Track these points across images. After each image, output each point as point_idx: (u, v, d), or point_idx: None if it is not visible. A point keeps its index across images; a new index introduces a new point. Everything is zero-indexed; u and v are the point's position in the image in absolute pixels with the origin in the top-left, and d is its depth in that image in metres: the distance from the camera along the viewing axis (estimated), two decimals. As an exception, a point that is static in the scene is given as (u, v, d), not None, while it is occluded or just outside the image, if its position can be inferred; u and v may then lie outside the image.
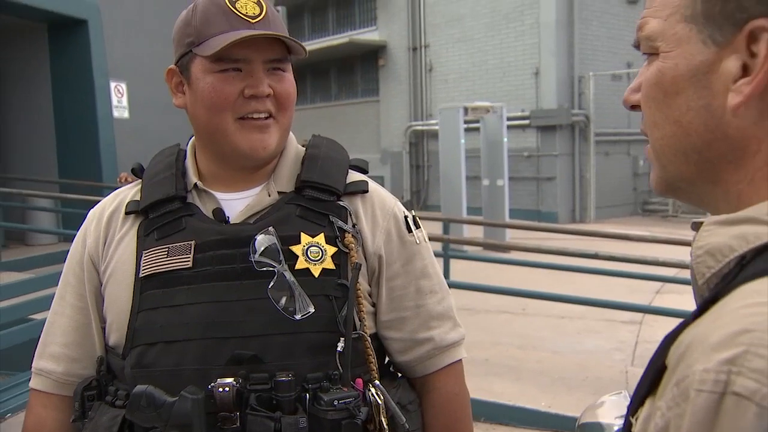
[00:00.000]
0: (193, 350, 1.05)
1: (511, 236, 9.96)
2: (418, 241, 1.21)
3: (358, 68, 17.90)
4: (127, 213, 1.17)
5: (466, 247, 8.41)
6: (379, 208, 1.19)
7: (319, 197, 1.14)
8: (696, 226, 0.57)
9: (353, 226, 1.14)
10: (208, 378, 1.01)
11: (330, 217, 1.13)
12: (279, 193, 1.15)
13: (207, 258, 1.08)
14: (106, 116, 8.06)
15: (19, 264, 6.94)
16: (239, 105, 1.08)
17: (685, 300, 3.18)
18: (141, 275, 1.09)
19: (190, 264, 1.07)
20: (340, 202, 1.15)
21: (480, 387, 4.10)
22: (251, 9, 1.08)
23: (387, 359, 1.23)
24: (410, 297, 1.18)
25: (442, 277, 1.26)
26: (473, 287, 5.01)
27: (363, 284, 1.14)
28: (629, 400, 0.70)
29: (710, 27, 0.55)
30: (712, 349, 0.44)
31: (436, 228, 7.08)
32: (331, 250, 1.10)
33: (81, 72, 7.95)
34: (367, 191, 1.19)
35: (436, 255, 4.95)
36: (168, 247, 1.09)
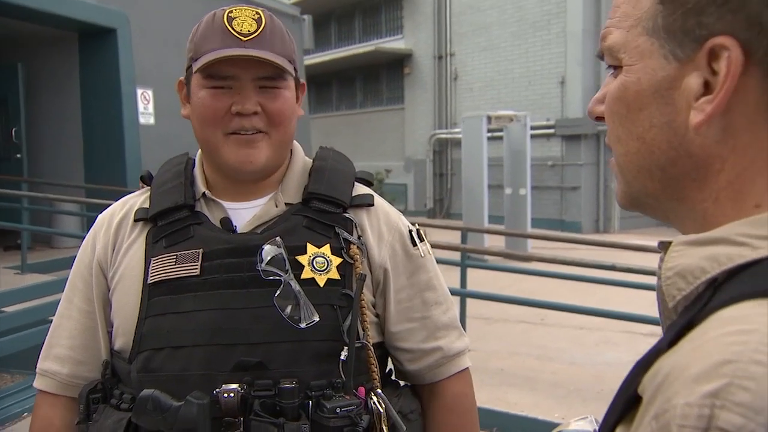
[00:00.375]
0: (199, 356, 1.07)
1: (533, 246, 9.89)
2: (422, 254, 1.23)
3: (384, 76, 17.95)
4: (135, 220, 1.19)
5: (486, 256, 8.37)
6: (384, 222, 1.22)
7: (326, 209, 1.17)
8: (663, 246, 0.55)
9: (358, 237, 1.17)
10: (213, 383, 1.04)
11: (336, 228, 1.15)
12: (286, 204, 1.18)
13: (214, 266, 1.10)
14: (132, 122, 8.18)
15: (43, 266, 7.08)
16: (227, 121, 1.11)
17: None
18: (149, 282, 1.12)
19: (197, 272, 1.10)
20: (346, 215, 1.18)
21: (495, 397, 4.09)
22: (247, 26, 1.10)
23: (388, 369, 1.26)
24: (417, 309, 1.21)
25: (446, 288, 1.28)
26: (491, 297, 5.00)
27: (367, 295, 1.16)
28: (596, 424, 0.69)
29: (671, 42, 0.53)
30: (694, 381, 0.41)
31: (457, 237, 7.07)
32: (336, 260, 1.12)
33: (109, 79, 8.09)
34: (372, 204, 1.22)
35: (455, 264, 4.96)
36: (176, 255, 1.12)
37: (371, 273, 1.17)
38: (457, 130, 14.23)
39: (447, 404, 1.24)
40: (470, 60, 15.60)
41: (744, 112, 0.51)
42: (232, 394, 1.01)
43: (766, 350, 0.40)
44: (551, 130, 13.68)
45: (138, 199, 1.24)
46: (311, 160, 1.25)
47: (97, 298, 1.19)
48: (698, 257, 0.51)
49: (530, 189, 10.54)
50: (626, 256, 6.75)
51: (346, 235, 1.15)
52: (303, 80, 1.21)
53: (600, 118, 0.62)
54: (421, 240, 1.25)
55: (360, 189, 1.24)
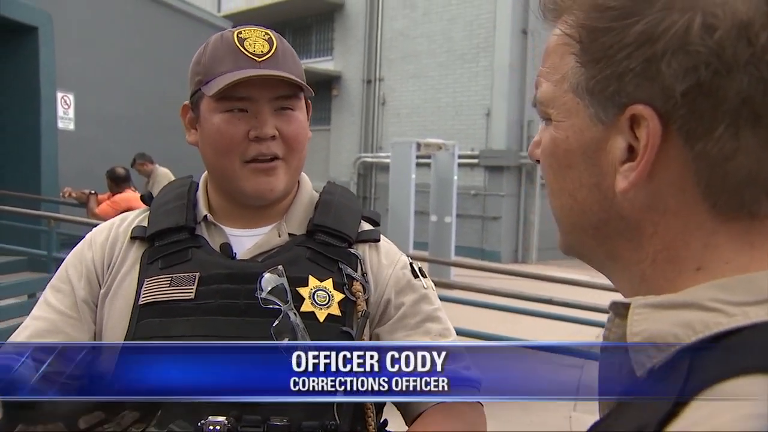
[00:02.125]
0: None
1: (455, 273, 9.99)
2: (425, 286, 1.18)
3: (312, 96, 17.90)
4: (132, 238, 1.13)
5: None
6: (385, 256, 1.18)
7: (331, 242, 1.13)
8: (616, 307, 0.53)
9: (363, 275, 1.13)
10: (198, 414, 0.96)
11: (339, 263, 1.11)
12: (290, 234, 1.14)
13: (211, 291, 1.05)
14: (50, 127, 7.73)
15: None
16: (244, 147, 1.07)
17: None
18: (140, 303, 1.06)
19: (192, 295, 1.05)
20: (351, 250, 1.14)
21: (425, 428, 4.03)
22: (259, 47, 1.07)
23: (383, 419, 1.16)
24: (418, 336, 1.12)
25: (452, 326, 1.18)
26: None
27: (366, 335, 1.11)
28: None
29: (595, 105, 0.52)
30: None
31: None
32: (338, 296, 1.08)
33: (27, 80, 7.65)
34: (378, 240, 1.19)
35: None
36: (171, 277, 1.07)
37: (369, 309, 1.12)
38: (383, 154, 14.32)
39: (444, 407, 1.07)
40: (398, 86, 15.78)
41: (669, 178, 0.50)
42: (217, 427, 0.94)
43: None
44: (475, 160, 13.97)
45: (136, 217, 1.20)
46: (318, 194, 1.23)
47: (84, 304, 1.10)
48: (669, 323, 0.48)
49: (455, 217, 10.68)
50: (543, 286, 6.90)
51: (349, 270, 1.12)
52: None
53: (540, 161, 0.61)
54: (424, 276, 1.20)
55: (366, 226, 1.21)
